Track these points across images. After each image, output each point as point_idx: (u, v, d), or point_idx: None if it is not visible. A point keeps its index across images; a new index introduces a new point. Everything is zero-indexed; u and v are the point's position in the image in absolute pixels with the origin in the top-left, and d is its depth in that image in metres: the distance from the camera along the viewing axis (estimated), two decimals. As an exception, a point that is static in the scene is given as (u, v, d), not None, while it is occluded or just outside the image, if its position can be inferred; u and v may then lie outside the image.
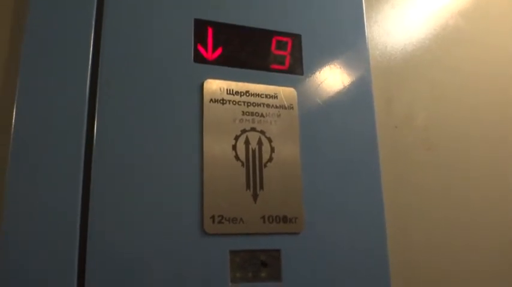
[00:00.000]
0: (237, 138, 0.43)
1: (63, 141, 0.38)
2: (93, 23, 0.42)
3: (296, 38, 0.49)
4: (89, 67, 0.41)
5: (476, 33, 0.63)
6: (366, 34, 0.53)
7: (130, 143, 0.40)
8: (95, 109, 0.40)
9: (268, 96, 0.45)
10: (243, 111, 0.44)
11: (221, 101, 0.43)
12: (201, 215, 0.40)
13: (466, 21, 0.62)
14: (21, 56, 0.39)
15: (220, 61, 0.45)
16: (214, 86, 0.44)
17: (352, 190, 0.46)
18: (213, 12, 0.46)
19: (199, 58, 0.44)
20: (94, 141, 0.39)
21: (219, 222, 0.41)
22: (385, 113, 0.54)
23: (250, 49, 0.46)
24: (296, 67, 0.48)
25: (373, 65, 0.53)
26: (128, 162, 0.39)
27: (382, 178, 0.48)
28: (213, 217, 0.40)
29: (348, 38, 0.51)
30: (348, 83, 0.50)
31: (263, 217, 0.42)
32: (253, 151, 0.43)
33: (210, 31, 0.45)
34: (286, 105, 0.46)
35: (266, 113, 0.45)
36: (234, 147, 0.43)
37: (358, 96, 0.50)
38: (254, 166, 0.43)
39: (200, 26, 0.45)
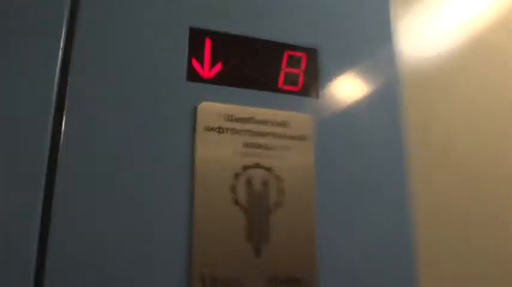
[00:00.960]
0: (237, 176, 0.34)
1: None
2: (65, 25, 0.34)
3: (311, 53, 0.40)
4: (56, 78, 0.32)
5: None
6: (395, 48, 0.44)
7: (106, 178, 0.31)
8: (60, 132, 0.31)
9: (277, 123, 0.37)
10: (245, 143, 0.35)
11: (218, 130, 0.35)
12: (187, 277, 0.31)
13: (508, 35, 0.53)
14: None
15: (219, 79, 0.36)
16: (210, 110, 0.35)
17: (380, 244, 0.37)
18: (212, 19, 0.37)
19: (193, 76, 0.36)
20: (57, 176, 0.30)
21: (212, 285, 0.32)
22: (419, 143, 0.45)
23: (255, 65, 0.38)
24: (311, 88, 0.39)
25: (405, 84, 0.44)
26: (100, 205, 0.31)
27: (416, 230, 0.39)
28: (203, 280, 0.32)
29: (374, 53, 0.43)
30: (374, 108, 0.41)
31: (267, 279, 0.33)
32: (257, 193, 0.34)
33: (207, 42, 0.37)
34: (299, 136, 0.37)
35: (274, 145, 0.36)
36: (233, 188, 0.34)
37: (387, 126, 0.41)
38: (258, 213, 0.34)
39: (196, 36, 0.37)
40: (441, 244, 0.45)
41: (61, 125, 0.32)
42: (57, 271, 0.29)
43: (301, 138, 0.37)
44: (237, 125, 0.35)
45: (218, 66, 0.37)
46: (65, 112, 0.32)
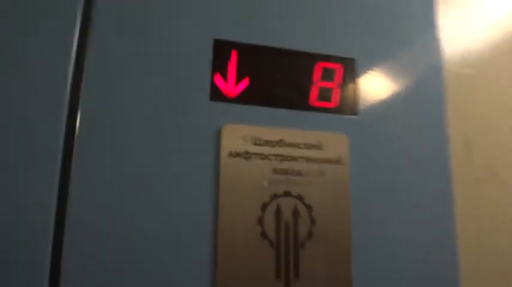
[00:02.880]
0: (264, 207, 0.31)
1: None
2: (76, 40, 0.31)
3: (348, 64, 0.36)
4: (66, 100, 0.30)
5: None
6: (441, 57, 0.40)
7: (121, 201, 0.29)
8: (72, 155, 0.29)
9: (309, 146, 0.33)
10: (274, 169, 0.32)
11: (245, 156, 0.32)
12: (212, 318, 0.29)
13: None
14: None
15: (246, 97, 0.33)
16: (235, 133, 0.32)
17: (424, 276, 0.33)
18: (239, 31, 0.34)
19: (217, 94, 0.32)
20: (68, 206, 0.28)
21: (237, 327, 0.29)
22: (464, 161, 0.41)
23: (285, 80, 0.34)
24: (348, 104, 0.35)
25: (448, 95, 0.40)
26: (117, 238, 0.28)
27: (460, 247, 0.35)
28: (228, 321, 0.29)
29: (418, 62, 0.39)
30: (417, 125, 0.37)
31: (298, 319, 0.30)
32: (287, 225, 0.31)
33: (234, 55, 0.33)
34: (334, 159, 0.33)
35: (305, 171, 0.33)
36: (261, 220, 0.31)
37: (430, 144, 0.37)
38: (287, 246, 0.31)
39: (222, 49, 0.33)
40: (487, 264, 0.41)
41: (72, 148, 0.29)
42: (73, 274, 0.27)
43: (336, 161, 0.34)
44: (266, 149, 0.32)
45: (245, 82, 0.33)
46: (77, 135, 0.29)
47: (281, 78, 0.34)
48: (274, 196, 0.32)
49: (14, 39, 0.30)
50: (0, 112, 0.29)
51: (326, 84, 0.35)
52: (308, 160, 0.33)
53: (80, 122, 0.30)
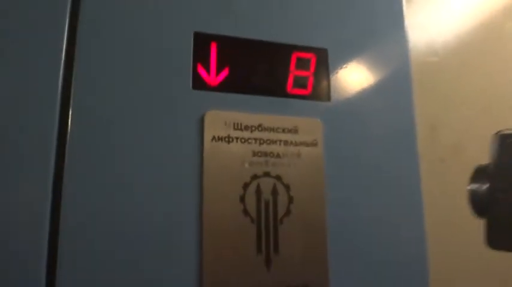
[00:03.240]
0: (246, 186, 0.34)
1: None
2: (65, 34, 0.33)
3: (321, 54, 0.39)
4: (59, 89, 0.32)
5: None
6: (408, 45, 0.43)
7: (110, 188, 0.31)
8: (65, 146, 0.31)
9: (286, 130, 0.36)
10: (254, 152, 0.35)
11: (227, 140, 0.34)
12: (198, 289, 0.31)
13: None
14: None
15: (226, 86, 0.35)
16: (217, 119, 0.34)
17: (392, 249, 0.37)
18: (218, 23, 0.36)
19: (199, 83, 0.35)
20: (63, 188, 0.30)
21: (222, 297, 0.32)
22: (430, 142, 0.44)
23: (263, 70, 0.37)
24: (321, 91, 0.38)
25: (414, 82, 0.43)
26: (107, 218, 0.31)
27: (427, 227, 0.38)
28: (214, 292, 0.31)
29: (386, 50, 0.42)
30: (386, 109, 0.40)
31: (278, 289, 0.33)
32: (267, 203, 0.34)
33: (213, 47, 0.36)
34: (309, 142, 0.36)
35: (283, 153, 0.35)
36: (243, 198, 0.34)
37: (398, 126, 0.40)
38: (267, 223, 0.34)
39: (202, 41, 0.35)
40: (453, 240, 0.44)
41: (66, 135, 0.31)
42: (68, 272, 0.29)
43: (311, 144, 0.36)
44: (246, 134, 0.35)
45: (225, 72, 0.36)
46: (70, 119, 0.31)
47: (259, 68, 0.37)
48: (255, 176, 0.34)
49: (3, 37, 0.32)
50: None
51: (301, 73, 0.38)
52: (285, 143, 0.36)
53: (71, 116, 0.32)
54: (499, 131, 0.23)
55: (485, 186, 0.23)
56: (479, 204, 0.23)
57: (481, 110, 0.46)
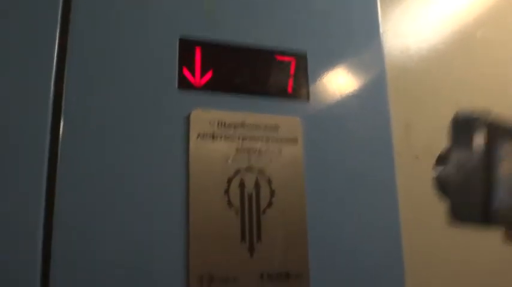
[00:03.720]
0: (230, 181, 0.36)
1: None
2: (57, 37, 0.35)
3: (300, 57, 0.41)
4: (51, 90, 0.34)
5: (508, 47, 0.55)
6: (383, 50, 0.46)
7: (100, 186, 0.33)
8: (58, 140, 0.33)
9: (268, 128, 0.38)
10: (237, 148, 0.37)
11: (211, 136, 0.36)
12: (186, 276, 0.33)
13: (495, 32, 0.55)
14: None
15: (210, 87, 0.38)
16: (202, 117, 0.37)
17: (369, 239, 0.39)
18: (201, 29, 0.39)
19: (185, 84, 0.37)
20: (56, 187, 0.32)
21: (209, 283, 0.34)
22: (405, 141, 0.47)
23: (245, 72, 0.39)
24: (301, 92, 0.41)
25: (390, 85, 0.46)
26: (97, 210, 0.33)
27: (402, 221, 0.40)
28: (201, 278, 0.34)
29: (362, 55, 0.44)
30: (362, 109, 0.42)
31: (261, 275, 0.35)
32: (250, 196, 0.36)
33: (198, 52, 0.38)
34: (289, 139, 0.39)
35: (265, 149, 0.38)
36: (227, 191, 0.36)
37: (374, 125, 0.42)
38: (250, 214, 0.36)
39: (186, 46, 0.38)
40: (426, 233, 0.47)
41: (58, 134, 0.33)
42: (61, 272, 0.31)
43: (292, 141, 0.39)
44: (229, 131, 0.37)
45: (209, 74, 0.38)
46: (62, 119, 0.34)
47: (242, 70, 0.39)
48: (238, 171, 0.37)
49: None
50: None
51: (281, 74, 0.41)
52: (267, 139, 0.38)
53: (63, 115, 0.34)
54: (455, 115, 0.25)
55: (444, 167, 0.26)
56: (441, 186, 0.26)
57: (451, 110, 0.49)
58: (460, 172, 0.24)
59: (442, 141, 0.50)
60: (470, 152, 0.23)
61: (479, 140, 0.23)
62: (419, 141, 0.46)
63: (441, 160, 0.27)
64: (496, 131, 0.24)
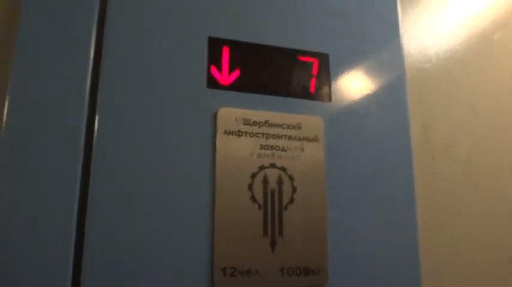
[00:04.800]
0: (254, 176, 0.37)
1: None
2: (94, 37, 0.37)
3: (323, 58, 0.43)
4: (87, 88, 0.35)
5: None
6: (402, 51, 0.47)
7: (131, 180, 0.35)
8: (92, 138, 0.35)
9: (291, 126, 0.39)
10: (261, 145, 0.38)
11: (237, 134, 0.38)
12: (210, 267, 0.35)
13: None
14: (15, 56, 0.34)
15: (237, 86, 0.39)
16: (229, 115, 0.38)
17: (386, 236, 0.40)
18: (229, 29, 0.40)
19: (212, 83, 0.38)
20: (91, 181, 0.34)
21: (231, 275, 0.35)
22: (422, 142, 0.48)
23: (270, 71, 0.41)
24: (323, 92, 0.42)
25: (408, 85, 0.47)
26: (129, 202, 0.34)
27: (419, 221, 0.42)
28: (224, 269, 0.35)
29: (382, 56, 0.45)
30: (381, 110, 0.43)
31: (282, 269, 0.36)
32: (272, 192, 0.38)
33: (225, 51, 0.39)
34: (311, 137, 0.40)
35: (288, 147, 0.39)
36: (251, 186, 0.37)
37: (393, 126, 0.43)
38: (273, 209, 0.37)
39: (215, 45, 0.39)
40: (443, 235, 0.48)
41: (93, 133, 0.35)
42: (92, 270, 0.33)
43: (313, 139, 0.40)
44: (254, 129, 0.38)
45: (236, 73, 0.39)
46: (96, 118, 0.35)
47: (267, 70, 0.41)
48: (262, 167, 0.38)
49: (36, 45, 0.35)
50: (21, 114, 0.34)
51: (304, 75, 0.42)
52: (290, 138, 0.39)
53: (98, 115, 0.35)
54: None
55: None
56: None
57: (468, 112, 0.50)
58: None
59: (459, 143, 0.51)
60: None
61: None
62: (436, 143, 0.47)
63: None
64: None
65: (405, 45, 0.49)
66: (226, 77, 0.39)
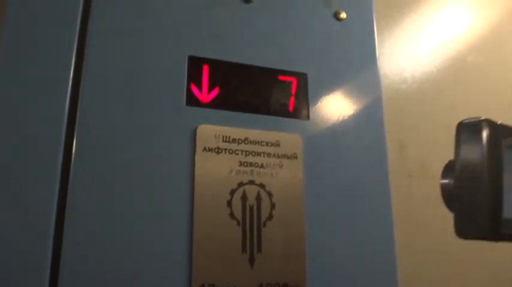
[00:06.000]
0: (232, 193, 0.38)
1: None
2: (74, 55, 0.37)
3: (301, 77, 0.44)
4: (67, 104, 0.36)
5: (497, 71, 0.58)
6: (379, 72, 0.48)
7: (109, 195, 0.35)
8: (71, 151, 0.35)
9: (270, 144, 0.40)
10: (240, 162, 0.39)
11: (216, 150, 0.38)
12: (188, 283, 0.35)
13: (485, 58, 0.57)
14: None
15: (216, 104, 0.40)
16: (208, 132, 0.38)
17: (364, 252, 0.41)
18: (210, 48, 0.41)
19: (192, 100, 0.39)
20: (68, 192, 0.34)
21: (210, 292, 0.35)
22: (399, 160, 0.49)
23: (250, 90, 0.41)
24: (301, 110, 0.43)
25: (385, 105, 0.48)
26: (107, 219, 0.34)
27: (396, 237, 0.42)
28: (202, 286, 0.35)
29: (359, 77, 0.47)
30: (359, 129, 0.44)
31: (260, 285, 0.37)
32: (251, 208, 0.38)
33: (205, 69, 0.40)
34: (289, 154, 0.40)
35: (266, 164, 0.39)
36: (230, 203, 0.37)
37: (370, 144, 0.44)
38: (252, 225, 0.38)
39: (195, 64, 0.40)
40: (419, 251, 0.48)
41: (72, 145, 0.35)
42: (69, 279, 0.33)
43: (292, 157, 0.41)
44: (233, 146, 0.39)
45: (215, 91, 0.40)
46: (75, 132, 0.35)
47: (246, 88, 0.41)
48: (241, 184, 0.38)
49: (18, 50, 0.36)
50: (2, 118, 0.34)
51: (283, 94, 0.43)
52: (269, 155, 0.40)
53: (77, 129, 0.36)
54: (460, 121, 0.26)
55: (451, 179, 0.27)
56: (448, 197, 0.27)
57: (444, 131, 0.51)
58: (468, 180, 0.25)
59: (434, 161, 0.53)
60: (480, 158, 0.24)
61: (489, 144, 0.24)
62: (412, 161, 0.49)
63: (448, 170, 0.27)
64: (503, 135, 0.25)
65: (382, 67, 0.51)
66: (206, 94, 0.40)
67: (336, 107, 0.45)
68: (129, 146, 0.36)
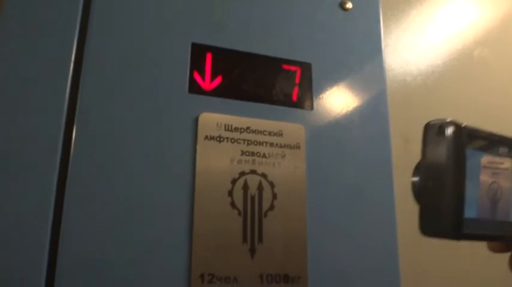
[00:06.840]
0: (234, 182, 0.37)
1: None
2: (75, 42, 0.36)
3: (306, 67, 0.43)
4: (67, 93, 0.35)
5: (503, 65, 0.57)
6: (384, 64, 0.47)
7: (110, 183, 0.34)
8: (71, 141, 0.34)
9: (272, 133, 0.39)
10: (242, 151, 0.38)
11: (218, 139, 0.38)
12: (188, 274, 0.34)
13: (491, 52, 0.57)
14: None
15: (219, 92, 0.39)
16: (210, 120, 0.38)
17: (366, 245, 0.40)
18: (213, 36, 0.40)
19: (195, 88, 0.38)
20: (67, 185, 0.33)
21: (210, 281, 0.35)
22: (402, 154, 0.48)
23: (253, 79, 0.41)
24: (305, 100, 0.42)
25: (390, 98, 0.47)
26: (107, 207, 0.34)
27: (399, 231, 0.42)
28: (202, 276, 0.34)
29: (364, 68, 0.46)
30: (363, 120, 0.44)
31: (261, 276, 0.36)
32: (252, 198, 0.37)
33: (208, 57, 0.40)
34: (292, 145, 0.40)
35: (269, 153, 0.39)
36: (231, 193, 0.37)
37: (374, 136, 0.44)
38: (253, 215, 0.37)
39: (198, 51, 0.39)
40: (423, 245, 0.48)
41: (71, 135, 0.34)
42: (67, 269, 0.32)
43: (294, 147, 0.40)
44: (235, 135, 0.38)
45: (218, 79, 0.40)
46: (75, 120, 0.35)
47: (249, 77, 0.41)
48: (242, 173, 0.38)
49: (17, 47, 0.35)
50: (2, 110, 0.34)
51: (288, 83, 0.42)
52: (271, 144, 0.39)
53: (77, 115, 0.35)
54: (428, 122, 0.26)
55: (419, 177, 0.27)
56: (417, 194, 0.27)
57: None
58: (432, 180, 0.25)
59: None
60: (443, 159, 0.24)
61: (452, 146, 0.24)
62: (416, 155, 0.48)
63: (416, 169, 0.28)
64: (472, 138, 0.25)
65: (387, 59, 0.50)
66: (208, 82, 0.39)
67: (339, 98, 0.44)
68: (130, 135, 0.36)
